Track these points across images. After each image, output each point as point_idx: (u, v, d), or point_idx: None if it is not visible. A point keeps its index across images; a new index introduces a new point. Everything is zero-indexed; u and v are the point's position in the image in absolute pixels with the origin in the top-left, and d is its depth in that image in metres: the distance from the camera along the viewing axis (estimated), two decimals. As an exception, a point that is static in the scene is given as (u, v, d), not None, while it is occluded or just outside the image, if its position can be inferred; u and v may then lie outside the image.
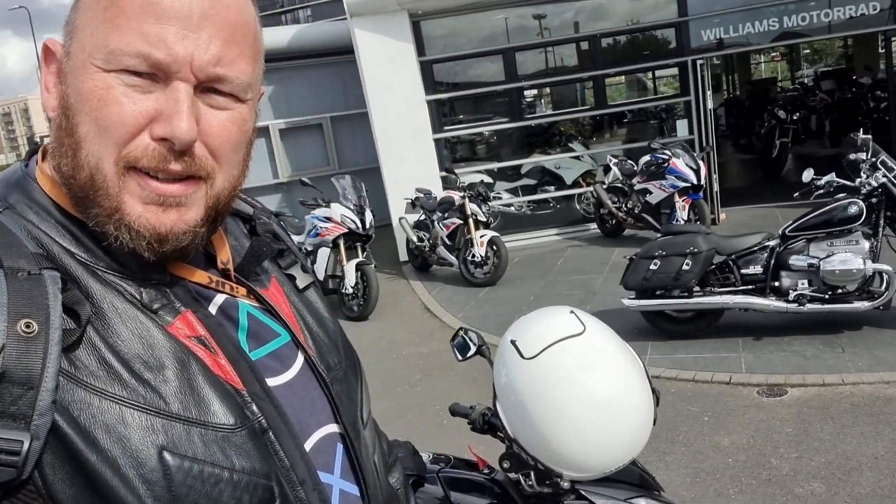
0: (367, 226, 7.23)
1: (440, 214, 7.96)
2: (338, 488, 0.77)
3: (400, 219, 8.71)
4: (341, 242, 7.14)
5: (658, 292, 5.19)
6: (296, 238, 7.65)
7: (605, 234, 8.99)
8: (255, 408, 0.69)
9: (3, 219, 0.66)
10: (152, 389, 0.64)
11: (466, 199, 7.62)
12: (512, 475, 1.56)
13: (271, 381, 0.74)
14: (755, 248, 5.01)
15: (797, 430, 3.77)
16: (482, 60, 9.79)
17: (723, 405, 4.19)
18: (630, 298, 5.31)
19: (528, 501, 1.61)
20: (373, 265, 7.22)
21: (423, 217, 8.44)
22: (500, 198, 10.00)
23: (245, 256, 0.82)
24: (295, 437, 0.73)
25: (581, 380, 1.29)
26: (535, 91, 10.56)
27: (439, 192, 8.38)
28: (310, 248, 7.40)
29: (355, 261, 7.02)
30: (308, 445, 0.75)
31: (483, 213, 7.67)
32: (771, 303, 4.85)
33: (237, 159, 0.72)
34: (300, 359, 0.80)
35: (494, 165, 10.22)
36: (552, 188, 10.04)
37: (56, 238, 0.67)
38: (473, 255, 7.50)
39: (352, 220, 7.16)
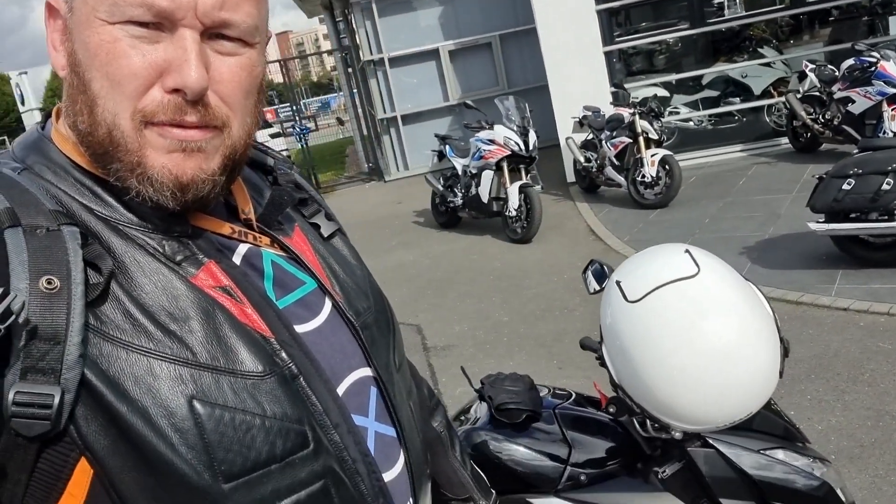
0: (531, 147, 7.09)
1: (608, 133, 7.60)
2: (373, 430, 0.77)
3: (567, 138, 8.45)
4: (505, 165, 7.08)
5: (851, 215, 4.62)
6: (461, 161, 7.76)
7: (798, 150, 8.09)
8: (284, 355, 0.69)
9: (21, 179, 0.67)
10: (178, 340, 0.64)
11: (637, 116, 7.17)
12: (623, 417, 1.49)
13: (300, 328, 0.74)
14: (976, 164, 4.26)
15: None
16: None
17: (921, 343, 3.71)
18: (818, 222, 4.78)
19: (651, 444, 1.55)
20: (536, 187, 7.12)
21: (590, 136, 8.12)
22: (676, 112, 9.33)
23: (267, 206, 0.81)
24: (326, 381, 0.73)
25: (689, 327, 1.17)
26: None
27: (608, 110, 7.97)
28: (474, 171, 7.44)
29: (518, 183, 6.95)
30: (341, 390, 0.75)
31: (655, 130, 7.20)
32: None
33: (249, 105, 0.71)
34: (328, 305, 0.79)
35: (672, 77, 9.49)
36: (737, 100, 9.17)
37: (74, 195, 0.68)
38: (643, 176, 7.12)
39: (515, 142, 7.06)
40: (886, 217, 4.49)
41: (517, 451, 1.55)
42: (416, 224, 8.77)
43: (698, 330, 1.17)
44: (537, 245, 6.76)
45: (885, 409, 3.19)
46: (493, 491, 1.11)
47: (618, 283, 1.27)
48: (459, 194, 7.78)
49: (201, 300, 0.67)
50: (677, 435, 1.32)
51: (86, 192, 0.68)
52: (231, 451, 0.63)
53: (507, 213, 6.98)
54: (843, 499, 1.47)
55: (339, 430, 0.71)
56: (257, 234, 0.78)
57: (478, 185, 7.35)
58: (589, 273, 1.73)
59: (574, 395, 1.72)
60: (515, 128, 7.20)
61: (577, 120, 8.35)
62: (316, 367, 0.72)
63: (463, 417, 1.74)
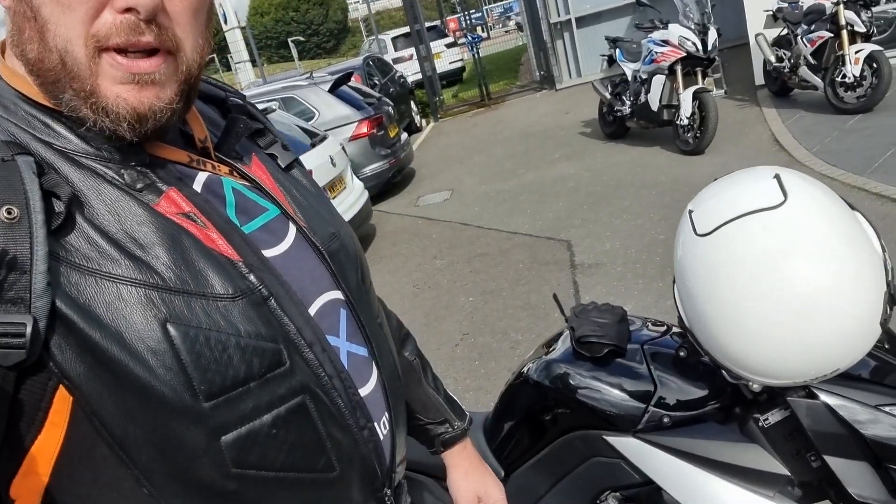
0: (710, 48, 6.42)
1: (805, 27, 6.65)
2: (345, 350, 0.79)
3: (756, 35, 7.52)
4: (678, 68, 6.48)
5: None
6: (631, 65, 7.25)
7: None
8: (253, 278, 0.70)
9: None
10: (146, 266, 0.65)
11: (841, 6, 6.18)
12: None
13: (266, 253, 0.74)
14: None
15: None
16: None
17: None
18: None
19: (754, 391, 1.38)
20: (714, 92, 6.50)
21: (784, 31, 7.16)
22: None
23: (223, 135, 0.81)
24: (298, 303, 0.74)
25: (765, 267, 0.98)
26: None
27: (808, 0, 6.95)
28: (644, 76, 6.92)
29: (693, 88, 6.35)
30: (311, 311, 0.76)
31: (863, 21, 6.15)
32: None
33: (199, 26, 0.70)
34: (292, 230, 0.79)
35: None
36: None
37: (26, 128, 0.67)
38: (844, 76, 6.18)
39: (691, 43, 6.41)
40: None
41: (596, 387, 1.45)
42: (581, 135, 8.42)
43: (777, 271, 0.98)
44: (710, 157, 6.21)
45: None
46: (468, 413, 1.15)
47: (690, 212, 1.09)
48: (628, 102, 7.30)
49: (166, 226, 0.67)
50: (755, 387, 1.15)
51: (38, 124, 0.68)
52: (209, 371, 0.65)
53: (678, 122, 6.45)
54: None
55: (314, 348, 0.73)
56: (215, 163, 0.78)
57: (647, 91, 6.83)
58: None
59: (672, 330, 1.57)
60: (693, 25, 6.53)
61: (771, 13, 7.39)
62: (286, 289, 0.73)
63: (550, 347, 1.66)
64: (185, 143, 0.78)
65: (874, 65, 6.05)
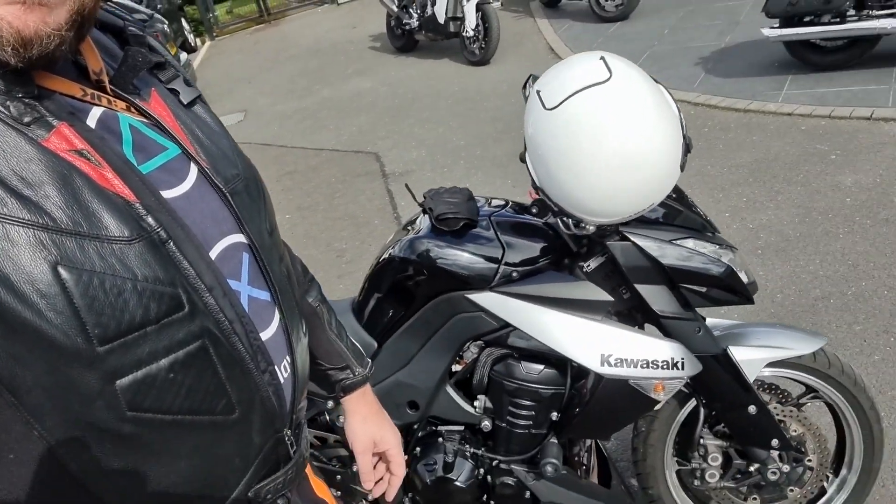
0: (487, -40, 6.77)
1: (568, -60, 7.24)
2: (246, 294, 0.77)
3: (525, -52, 8.03)
4: (461, -20, 6.79)
5: (805, 19, 4.62)
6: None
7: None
8: (150, 220, 0.67)
9: None
10: (35, 206, 0.60)
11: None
12: (552, 220, 1.63)
13: (166, 194, 0.71)
14: (931, -41, 4.21)
15: (935, 170, 3.47)
16: None
17: (856, 143, 3.88)
18: (771, 27, 4.78)
19: (578, 242, 1.70)
20: (494, 4, 6.88)
21: (550, -56, 7.73)
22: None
23: (120, 68, 0.75)
24: (198, 246, 0.71)
25: (599, 129, 1.26)
26: None
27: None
28: (429, -10, 7.13)
29: (475, 0, 6.71)
30: (213, 255, 0.74)
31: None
32: (940, 24, 4.18)
33: None
34: (194, 170, 0.76)
35: None
36: None
37: None
38: (603, -14, 6.90)
39: (470, -45, 6.71)
40: (838, 20, 4.50)
41: (455, 255, 1.70)
42: (372, 50, 8.51)
43: (607, 132, 1.26)
44: (496, 66, 6.66)
45: (814, 206, 3.42)
46: (369, 360, 1.15)
47: (538, 92, 1.34)
48: (415, 15, 7.50)
49: (56, 164, 0.63)
50: (591, 229, 1.46)
51: None
52: (104, 315, 0.62)
53: (464, 34, 6.80)
54: (745, 279, 1.66)
55: (214, 292, 0.71)
56: (112, 98, 0.73)
57: (433, 4, 7.07)
58: (528, 87, 1.79)
59: (510, 203, 1.85)
60: (470, -61, 6.81)
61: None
62: (186, 231, 0.71)
63: (408, 228, 1.87)
64: (78, 75, 0.72)
65: (627, -25, 6.80)
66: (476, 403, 1.81)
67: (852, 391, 1.77)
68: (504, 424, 1.78)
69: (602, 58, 1.30)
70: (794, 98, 4.55)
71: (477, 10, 6.66)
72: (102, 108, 0.71)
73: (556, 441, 1.80)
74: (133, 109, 0.74)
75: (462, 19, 6.79)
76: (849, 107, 4.23)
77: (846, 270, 2.94)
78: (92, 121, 0.69)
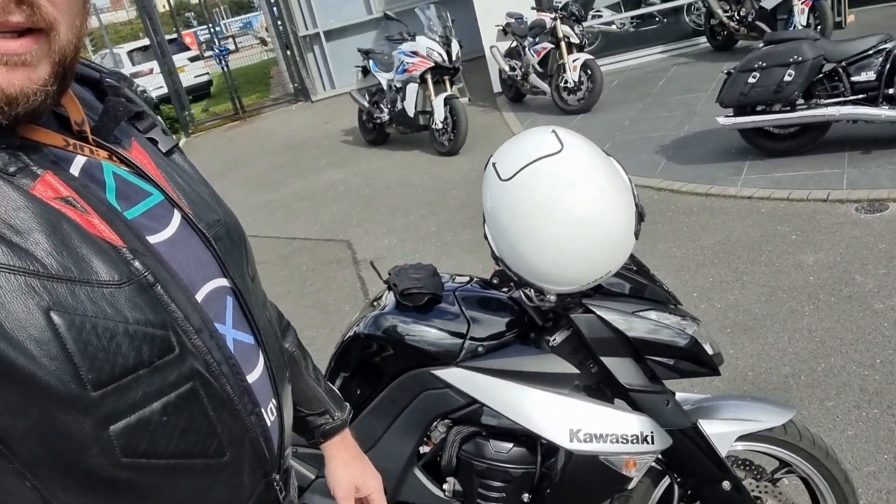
0: (454, 58, 7.07)
1: (531, 40, 7.62)
2: (231, 337, 0.78)
3: (491, 47, 8.42)
4: (429, 77, 7.06)
5: (757, 108, 4.85)
6: (385, 76, 7.67)
7: (716, 48, 8.31)
8: (138, 264, 0.68)
9: None
10: (25, 253, 0.61)
11: (558, 21, 7.20)
12: (516, 294, 1.63)
13: (151, 239, 0.72)
14: (869, 52, 4.48)
15: (891, 246, 3.56)
16: None
17: (815, 224, 4.00)
18: (726, 116, 5.00)
19: (544, 316, 1.70)
20: (461, 98, 7.14)
21: (514, 44, 8.11)
22: (599, 15, 9.35)
23: (101, 118, 0.77)
24: (185, 289, 0.72)
25: (553, 198, 1.29)
26: None
27: (532, 16, 7.94)
28: (399, 85, 7.39)
29: (444, 95, 6.96)
30: (198, 297, 0.75)
31: (576, 34, 7.24)
32: (883, 112, 4.40)
33: (77, 6, 0.67)
34: (177, 216, 0.77)
35: (594, -20, 9.46)
36: (658, 1, 9.25)
37: None
38: (566, 81, 7.21)
39: (438, 53, 7.01)
40: (789, 108, 4.73)
41: (421, 330, 1.68)
42: (344, 143, 8.71)
43: (561, 201, 1.29)
44: (465, 157, 6.84)
45: (778, 285, 3.48)
46: (347, 404, 1.17)
47: (493, 164, 1.37)
48: (386, 110, 7.73)
49: (44, 211, 0.64)
50: (552, 299, 1.46)
51: None
52: (97, 359, 0.63)
53: (433, 127, 7.00)
54: (710, 351, 1.66)
55: (202, 335, 0.72)
56: (93, 148, 0.74)
57: (403, 99, 7.31)
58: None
59: (474, 279, 1.86)
60: (437, 38, 7.13)
61: (501, 28, 8.32)
62: (172, 275, 0.72)
63: (374, 305, 1.86)
64: (60, 126, 0.73)
65: (588, 71, 7.13)
66: (445, 486, 1.75)
67: (825, 463, 1.74)
68: (474, 508, 1.71)
69: (554, 131, 1.34)
70: (752, 182, 4.71)
71: (445, 104, 6.90)
72: (86, 157, 0.72)
73: (528, 524, 1.74)
74: (115, 158, 0.76)
75: (431, 113, 7.01)
76: (805, 189, 4.39)
77: (814, 347, 2.96)
78: (75, 169, 0.71)
